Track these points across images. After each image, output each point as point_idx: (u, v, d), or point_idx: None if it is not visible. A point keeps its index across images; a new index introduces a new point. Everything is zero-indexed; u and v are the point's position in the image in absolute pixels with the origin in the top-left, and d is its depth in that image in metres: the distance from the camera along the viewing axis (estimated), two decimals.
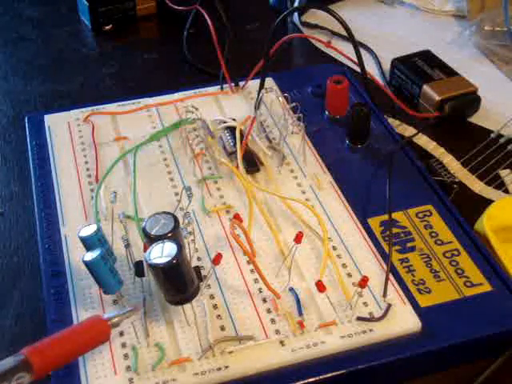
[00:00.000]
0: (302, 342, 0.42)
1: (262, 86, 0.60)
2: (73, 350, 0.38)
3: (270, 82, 0.63)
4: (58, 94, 0.69)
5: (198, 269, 0.43)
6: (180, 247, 0.39)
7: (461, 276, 0.46)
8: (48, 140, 0.57)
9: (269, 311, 0.44)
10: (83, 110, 0.60)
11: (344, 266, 0.47)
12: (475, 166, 0.59)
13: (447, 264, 0.47)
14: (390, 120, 0.62)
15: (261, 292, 0.45)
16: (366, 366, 0.41)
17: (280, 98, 0.58)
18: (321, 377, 0.41)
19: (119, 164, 0.55)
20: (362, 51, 0.64)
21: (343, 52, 0.65)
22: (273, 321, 0.43)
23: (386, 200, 0.51)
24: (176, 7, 0.78)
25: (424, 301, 0.45)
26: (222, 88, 0.63)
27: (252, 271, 0.46)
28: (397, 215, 0.50)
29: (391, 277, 0.46)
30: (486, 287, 0.45)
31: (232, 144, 0.55)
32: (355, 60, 0.62)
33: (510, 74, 0.71)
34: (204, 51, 0.71)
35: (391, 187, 0.52)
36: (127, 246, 0.44)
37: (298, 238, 0.45)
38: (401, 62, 0.68)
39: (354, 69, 0.67)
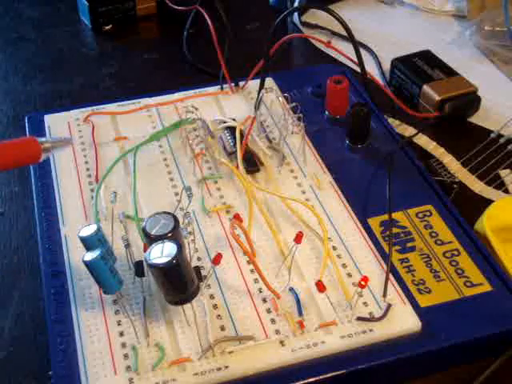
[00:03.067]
0: (302, 342, 0.42)
1: (261, 86, 0.60)
2: (2, 160, 0.39)
3: (270, 82, 0.63)
4: (57, 94, 0.69)
5: (197, 269, 0.43)
6: (180, 247, 0.39)
7: (461, 276, 0.46)
8: None
9: (269, 311, 0.44)
10: (83, 109, 0.60)
11: (344, 266, 0.47)
12: (475, 166, 0.59)
13: (447, 264, 0.47)
14: (390, 120, 0.62)
15: (261, 292, 0.45)
16: (366, 366, 0.41)
17: (280, 98, 0.58)
18: (321, 377, 0.41)
19: (119, 164, 0.55)
20: (362, 51, 0.64)
21: (343, 52, 0.65)
22: (273, 321, 0.43)
23: (386, 200, 0.51)
24: (176, 7, 0.78)
25: (424, 301, 0.45)
26: (221, 88, 0.63)
27: (252, 271, 0.46)
28: (397, 215, 0.50)
29: (391, 277, 0.46)
30: (486, 287, 0.45)
31: (232, 144, 0.55)
32: (355, 60, 0.62)
33: (510, 74, 0.71)
34: (204, 51, 0.71)
35: (391, 187, 0.52)
36: (127, 246, 0.44)
37: (298, 238, 0.45)
38: (401, 62, 0.68)
39: (354, 69, 0.67)
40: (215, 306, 0.44)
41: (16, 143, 0.41)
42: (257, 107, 0.57)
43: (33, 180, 0.54)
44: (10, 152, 0.40)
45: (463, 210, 0.51)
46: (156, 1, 0.81)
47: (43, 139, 0.42)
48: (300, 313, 0.43)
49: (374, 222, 0.50)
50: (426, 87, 0.64)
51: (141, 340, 0.42)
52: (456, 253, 0.48)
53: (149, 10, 0.81)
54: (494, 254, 0.48)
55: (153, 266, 0.39)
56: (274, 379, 0.41)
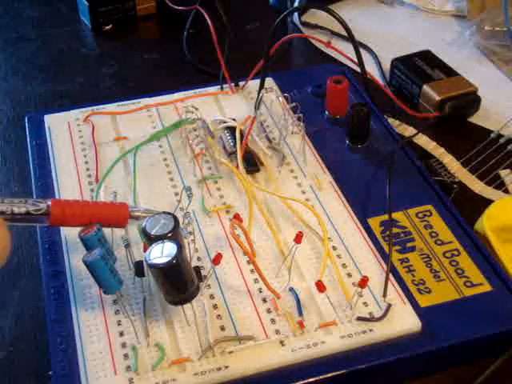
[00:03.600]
0: (302, 342, 0.42)
1: (261, 86, 0.60)
2: (88, 218, 0.41)
3: (270, 82, 0.63)
4: (58, 94, 0.69)
5: (197, 269, 0.43)
6: (180, 247, 0.39)
7: (461, 276, 0.46)
8: (48, 140, 0.57)
9: (269, 311, 0.44)
10: (83, 110, 0.60)
11: (344, 266, 0.47)
12: (475, 166, 0.59)
13: (447, 264, 0.47)
14: (390, 120, 0.62)
15: (261, 292, 0.45)
16: (366, 366, 0.41)
17: (280, 98, 0.58)
18: (321, 377, 0.41)
19: (119, 164, 0.55)
20: (362, 51, 0.64)
21: (343, 52, 0.65)
22: (273, 321, 0.43)
23: (386, 200, 0.51)
24: (176, 7, 0.78)
25: (424, 301, 0.45)
26: (221, 88, 0.63)
27: (252, 271, 0.46)
28: (397, 215, 0.50)
29: (391, 277, 0.46)
30: (486, 287, 0.45)
31: (232, 144, 0.55)
32: (355, 60, 0.62)
33: (510, 74, 0.71)
34: (204, 51, 0.71)
35: (391, 187, 0.52)
36: (127, 246, 0.44)
37: (298, 238, 0.45)
38: (401, 62, 0.68)
39: (354, 69, 0.67)
40: (215, 306, 0.44)
41: (106, 205, 0.43)
42: (257, 107, 0.57)
43: (33, 180, 0.54)
44: (99, 212, 0.42)
45: (463, 210, 0.51)
46: (156, 1, 0.81)
47: (136, 208, 0.43)
48: (300, 313, 0.43)
49: (374, 222, 0.50)
50: (426, 87, 0.64)
51: (141, 340, 0.42)
52: (456, 253, 0.48)
53: (149, 10, 0.81)
54: (494, 254, 0.48)
55: (153, 266, 0.39)
56: (274, 379, 0.41)
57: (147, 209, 0.44)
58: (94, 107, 0.60)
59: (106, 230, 0.46)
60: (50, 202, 0.40)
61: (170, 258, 0.38)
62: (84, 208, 0.42)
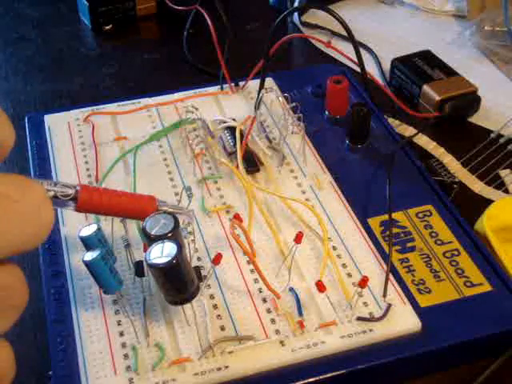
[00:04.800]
0: (302, 342, 0.42)
1: (261, 86, 0.60)
2: (115, 206, 0.41)
3: (270, 82, 0.63)
4: (57, 94, 0.69)
5: (198, 269, 0.43)
6: (180, 247, 0.39)
7: (461, 276, 0.46)
8: (48, 140, 0.57)
9: (269, 311, 0.44)
10: (83, 110, 0.60)
11: (344, 266, 0.47)
12: (475, 166, 0.59)
13: (447, 264, 0.47)
14: (390, 120, 0.62)
15: (261, 292, 0.45)
16: (366, 366, 0.41)
17: (280, 98, 0.58)
18: (321, 377, 0.41)
19: (119, 164, 0.55)
20: (362, 51, 0.64)
21: (343, 52, 0.65)
22: (273, 321, 0.43)
23: (386, 200, 0.51)
24: (176, 7, 0.78)
25: (424, 301, 0.45)
26: (221, 88, 0.63)
27: (252, 271, 0.46)
28: (397, 215, 0.50)
29: (391, 277, 0.46)
30: (486, 287, 0.45)
31: (232, 144, 0.55)
32: (355, 60, 0.62)
33: (510, 74, 0.71)
34: (204, 51, 0.71)
35: (391, 187, 0.52)
36: (127, 246, 0.44)
37: (298, 238, 0.45)
38: (401, 62, 0.68)
39: (354, 69, 0.67)
40: (215, 306, 0.44)
41: (134, 196, 0.43)
42: (257, 107, 0.57)
43: None
44: (126, 201, 0.42)
45: (463, 210, 0.51)
46: (156, 1, 0.81)
47: (164, 202, 0.43)
48: (300, 313, 0.43)
49: (374, 222, 0.50)
50: (426, 87, 0.64)
51: (141, 340, 0.42)
52: (456, 253, 0.48)
53: (149, 10, 0.81)
54: (494, 254, 0.48)
55: (153, 266, 0.38)
56: (274, 379, 0.41)
57: (174, 205, 0.44)
58: (94, 107, 0.60)
59: (106, 231, 0.46)
60: (78, 187, 0.39)
61: (169, 258, 0.38)
62: (112, 197, 0.41)
